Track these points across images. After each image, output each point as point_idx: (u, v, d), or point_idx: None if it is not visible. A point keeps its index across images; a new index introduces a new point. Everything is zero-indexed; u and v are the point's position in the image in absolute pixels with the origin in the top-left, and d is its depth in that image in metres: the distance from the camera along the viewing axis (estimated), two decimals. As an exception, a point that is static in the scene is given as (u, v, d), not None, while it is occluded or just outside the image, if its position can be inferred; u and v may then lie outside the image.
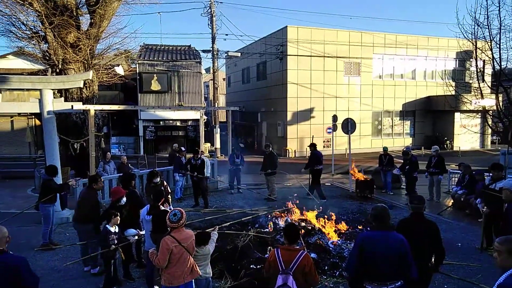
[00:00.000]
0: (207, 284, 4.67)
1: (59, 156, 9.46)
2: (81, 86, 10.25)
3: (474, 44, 10.25)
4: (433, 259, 4.20)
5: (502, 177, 7.30)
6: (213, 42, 22.91)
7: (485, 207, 7.15)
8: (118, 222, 5.69)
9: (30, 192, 12.67)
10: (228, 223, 7.63)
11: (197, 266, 4.34)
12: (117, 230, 5.70)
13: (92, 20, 12.92)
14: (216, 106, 23.47)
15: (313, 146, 11.75)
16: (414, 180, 11.41)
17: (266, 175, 11.50)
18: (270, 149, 11.78)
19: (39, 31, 12.62)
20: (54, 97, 9.54)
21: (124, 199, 6.13)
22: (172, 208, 6.80)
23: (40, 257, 6.99)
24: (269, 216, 8.34)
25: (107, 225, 5.62)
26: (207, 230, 4.96)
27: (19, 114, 17.15)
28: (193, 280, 4.33)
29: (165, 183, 7.99)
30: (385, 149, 13.07)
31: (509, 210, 4.67)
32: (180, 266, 4.18)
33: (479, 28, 9.94)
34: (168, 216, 4.26)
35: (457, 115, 24.50)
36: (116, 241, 5.58)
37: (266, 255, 6.16)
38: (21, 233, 8.08)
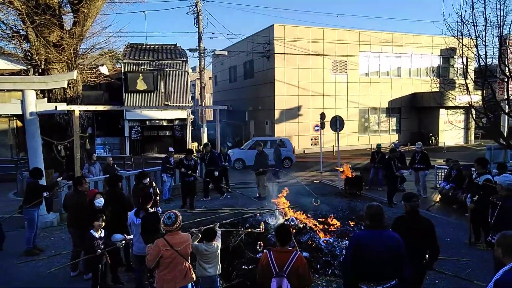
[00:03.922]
0: (211, 283, 4.61)
1: (43, 158, 9.21)
2: (65, 86, 9.99)
3: (460, 41, 10.34)
4: (427, 257, 4.19)
5: (485, 172, 7.37)
6: (199, 41, 22.66)
7: (470, 202, 7.26)
8: (102, 226, 5.53)
9: (12, 196, 12.33)
10: (227, 220, 7.57)
11: (192, 273, 4.27)
12: (103, 234, 5.54)
13: (76, 19, 12.60)
14: (203, 105, 23.27)
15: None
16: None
17: (257, 174, 11.44)
18: (261, 148, 11.72)
19: (20, 30, 12.25)
20: (36, 98, 9.27)
21: (101, 201, 5.95)
22: (160, 210, 6.67)
23: (25, 263, 6.76)
24: (260, 215, 8.28)
25: (91, 231, 5.44)
26: (208, 226, 4.91)
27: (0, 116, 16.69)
28: (188, 285, 4.26)
29: (154, 184, 7.83)
30: (378, 146, 13.19)
31: (502, 207, 4.75)
32: (171, 270, 4.09)
33: (464, 25, 10.04)
34: (162, 219, 4.20)
35: (441, 111, 24.85)
36: (102, 246, 5.42)
37: (258, 255, 6.10)
38: (4, 238, 7.84)
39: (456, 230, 8.17)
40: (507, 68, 9.92)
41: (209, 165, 11.49)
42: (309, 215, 8.13)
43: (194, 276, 4.29)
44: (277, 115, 22.90)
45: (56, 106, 9.31)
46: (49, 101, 10.72)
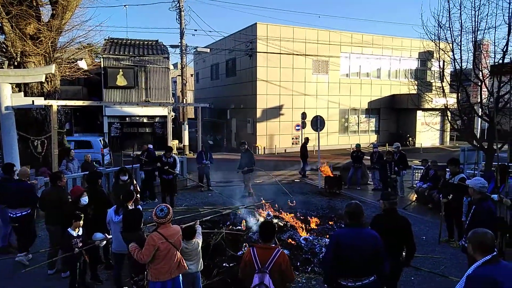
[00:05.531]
0: (193, 279, 4.67)
1: (18, 154, 8.97)
2: (43, 80, 9.76)
3: (437, 45, 10.64)
4: (403, 254, 4.33)
5: (459, 172, 7.66)
6: (181, 37, 22.50)
7: (443, 198, 7.58)
8: (81, 225, 5.45)
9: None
10: (207, 217, 7.55)
11: (184, 261, 4.36)
12: (81, 232, 5.45)
13: (54, 11, 12.27)
14: (184, 102, 23.10)
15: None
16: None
17: (243, 173, 11.49)
18: (246, 146, 11.77)
19: (-5, 21, 11.87)
20: (12, 92, 9.01)
21: (86, 198, 5.87)
22: (141, 208, 6.62)
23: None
24: (241, 213, 8.32)
25: (68, 229, 5.36)
26: (188, 224, 4.94)
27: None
28: (180, 275, 4.35)
29: (134, 182, 7.75)
30: (357, 145, 13.45)
31: (476, 211, 4.81)
32: (167, 262, 4.20)
33: (441, 29, 10.34)
34: (154, 211, 4.27)
35: (419, 113, 25.49)
36: (80, 244, 5.34)
37: (239, 253, 6.15)
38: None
39: (431, 229, 8.43)
40: (480, 73, 10.28)
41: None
42: (289, 213, 8.24)
43: (186, 265, 4.38)
44: (258, 114, 22.97)
45: (33, 101, 9.08)
46: (25, 95, 10.42)
